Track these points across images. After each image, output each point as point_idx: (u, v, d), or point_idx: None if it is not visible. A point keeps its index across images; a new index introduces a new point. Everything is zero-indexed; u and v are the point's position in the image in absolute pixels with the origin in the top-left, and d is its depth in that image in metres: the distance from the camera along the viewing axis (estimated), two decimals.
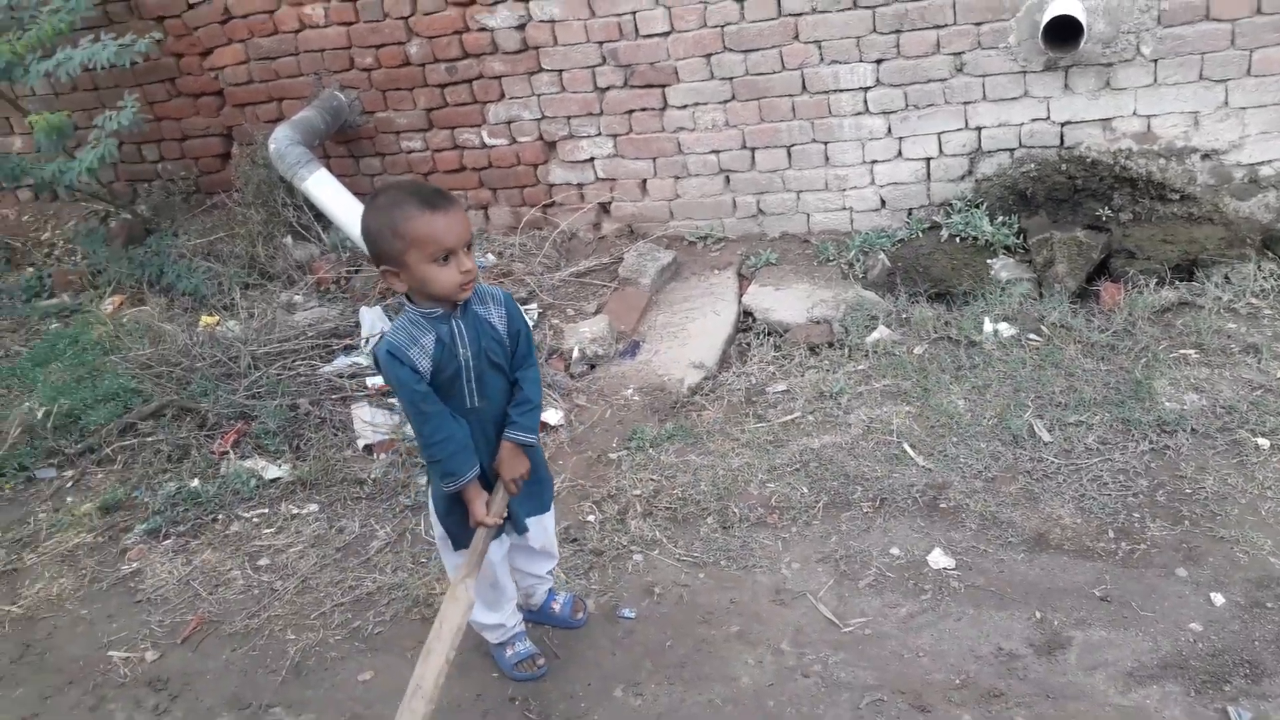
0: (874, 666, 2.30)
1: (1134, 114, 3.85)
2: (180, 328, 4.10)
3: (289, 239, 4.64)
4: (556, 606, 2.55)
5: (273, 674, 2.54)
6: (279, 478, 3.35)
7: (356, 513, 3.16)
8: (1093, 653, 2.26)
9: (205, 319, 4.23)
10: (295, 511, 3.19)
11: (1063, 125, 3.94)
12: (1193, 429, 2.94)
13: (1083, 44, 3.65)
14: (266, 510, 3.22)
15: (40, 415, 3.68)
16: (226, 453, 3.45)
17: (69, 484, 3.50)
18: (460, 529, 2.19)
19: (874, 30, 4.00)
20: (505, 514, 2.17)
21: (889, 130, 4.16)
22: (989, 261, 3.84)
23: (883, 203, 4.29)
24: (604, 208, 4.74)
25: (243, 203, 4.66)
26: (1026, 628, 2.35)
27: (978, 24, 3.88)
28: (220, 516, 3.20)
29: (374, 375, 3.81)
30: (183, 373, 3.71)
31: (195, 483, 3.33)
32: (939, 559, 2.59)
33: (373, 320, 4.10)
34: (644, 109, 4.43)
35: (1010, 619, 2.38)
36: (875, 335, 3.61)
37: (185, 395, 3.64)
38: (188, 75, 4.97)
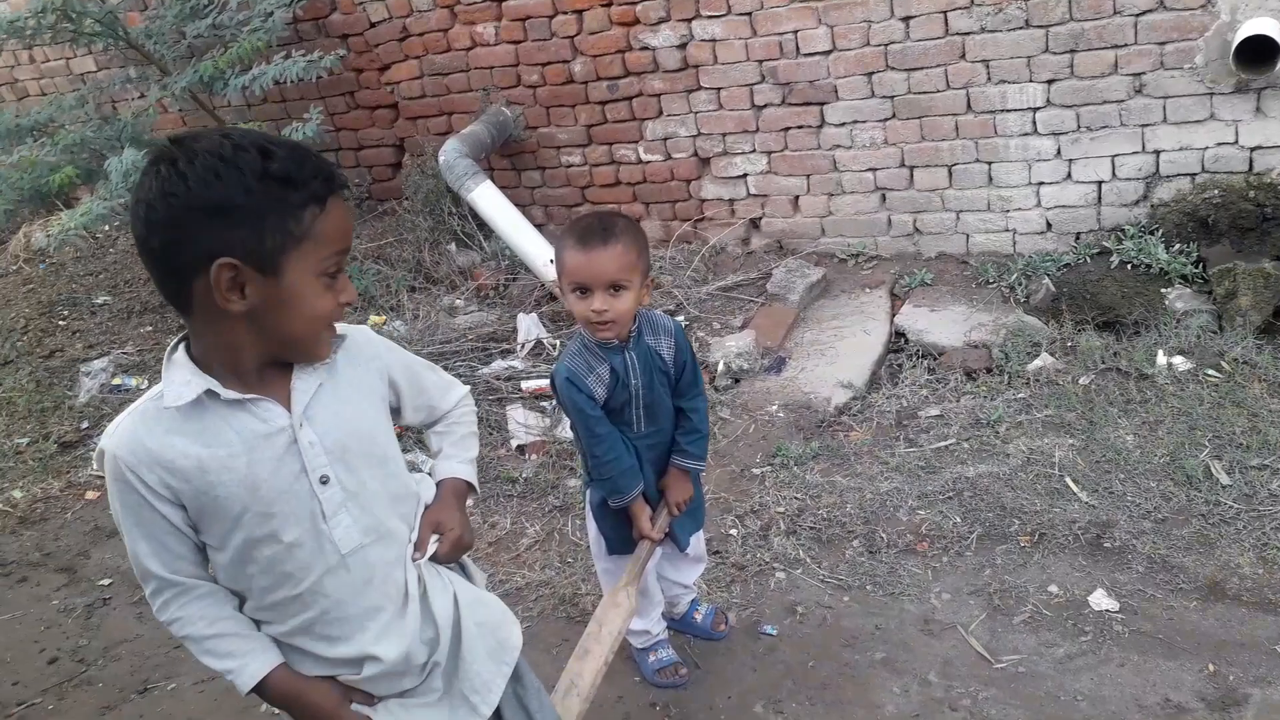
0: (1027, 706, 2.22)
1: None
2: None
3: (453, 246, 4.85)
4: (699, 616, 2.57)
5: None
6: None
7: (508, 509, 3.27)
8: (1273, 713, 2.12)
9: (374, 318, 4.48)
10: None
11: (1252, 150, 3.71)
12: None
13: (1279, 66, 3.43)
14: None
15: None
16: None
17: None
18: (615, 534, 2.25)
19: (1046, 50, 3.87)
20: (667, 530, 2.23)
21: (1058, 152, 4.02)
22: (1163, 291, 3.65)
23: (1048, 225, 4.14)
24: (754, 223, 4.76)
25: (411, 210, 4.92)
26: (1198, 680, 2.22)
27: (1161, 44, 3.70)
28: None
29: (528, 379, 3.95)
30: None
31: None
32: (1101, 600, 2.48)
33: (529, 327, 4.25)
34: (800, 126, 4.43)
35: (1180, 669, 2.25)
36: (1037, 363, 3.48)
37: None
38: (366, 89, 5.28)
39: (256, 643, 1.37)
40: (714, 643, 2.56)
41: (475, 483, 1.62)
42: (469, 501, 1.61)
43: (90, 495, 3.79)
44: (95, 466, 1.17)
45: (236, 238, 1.20)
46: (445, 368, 3.93)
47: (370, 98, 5.30)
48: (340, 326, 1.38)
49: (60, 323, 5.24)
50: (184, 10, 4.89)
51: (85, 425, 4.25)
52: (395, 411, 1.51)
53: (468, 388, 1.66)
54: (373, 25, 5.08)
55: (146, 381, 4.51)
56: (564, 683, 1.98)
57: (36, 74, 6.27)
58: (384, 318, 4.49)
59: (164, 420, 1.28)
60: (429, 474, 1.60)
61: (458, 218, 4.81)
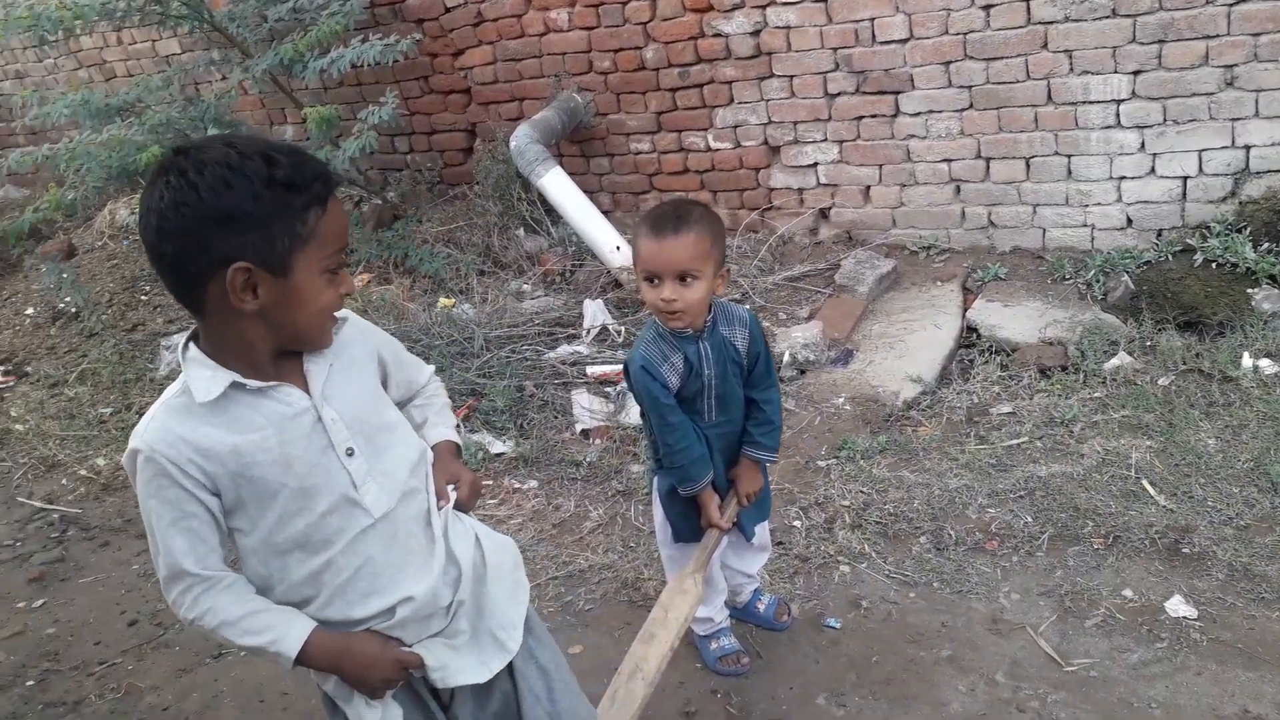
0: (1099, 711, 2.18)
1: None
2: (421, 307, 4.42)
3: (521, 231, 4.89)
4: (761, 606, 2.58)
5: None
6: (503, 453, 3.55)
7: (572, 493, 3.30)
8: None
9: (443, 300, 4.55)
10: (517, 486, 3.38)
11: None
12: None
13: None
14: (491, 482, 3.42)
15: None
16: (459, 425, 3.69)
17: None
18: (683, 522, 2.26)
19: (1133, 40, 3.76)
20: (735, 520, 2.23)
21: (1142, 145, 3.90)
22: (1250, 291, 3.53)
23: (1129, 221, 4.03)
24: (823, 213, 4.71)
25: (481, 195, 4.97)
26: (1279, 692, 2.16)
27: (1255, 35, 3.57)
28: None
29: (594, 364, 3.97)
30: (422, 349, 3.99)
31: None
32: (1179, 607, 2.42)
33: (595, 312, 4.27)
34: (874, 116, 4.37)
35: (1260, 680, 2.19)
36: (1115, 362, 3.40)
37: None
38: (440, 74, 5.34)
39: (290, 614, 1.42)
40: (776, 633, 2.55)
41: (461, 445, 1.72)
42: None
43: None
44: (128, 473, 1.39)
45: (248, 242, 1.27)
46: (512, 351, 4.03)
47: (444, 82, 5.36)
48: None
49: (142, 297, 5.42)
50: None
51: None
52: (382, 385, 1.59)
53: (433, 367, 1.75)
54: (448, 10, 5.13)
55: None
56: (628, 665, 2.00)
57: (124, 56, 6.46)
58: (453, 301, 4.55)
59: (194, 414, 1.35)
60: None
61: (527, 203, 4.85)
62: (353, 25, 4.88)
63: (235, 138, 1.34)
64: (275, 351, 1.38)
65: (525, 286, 4.64)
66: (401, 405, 1.65)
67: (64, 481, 3.93)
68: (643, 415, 2.21)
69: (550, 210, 4.80)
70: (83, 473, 3.94)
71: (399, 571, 1.47)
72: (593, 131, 5.04)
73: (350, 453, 1.42)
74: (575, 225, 4.62)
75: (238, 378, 1.35)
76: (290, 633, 1.40)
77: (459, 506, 1.59)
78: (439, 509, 1.54)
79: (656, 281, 1.98)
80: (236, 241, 1.27)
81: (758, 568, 2.54)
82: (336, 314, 1.41)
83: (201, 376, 1.35)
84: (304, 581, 1.43)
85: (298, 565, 1.42)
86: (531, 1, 4.90)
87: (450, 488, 1.58)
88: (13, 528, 3.68)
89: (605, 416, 3.68)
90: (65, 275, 4.90)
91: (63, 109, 4.79)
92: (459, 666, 1.52)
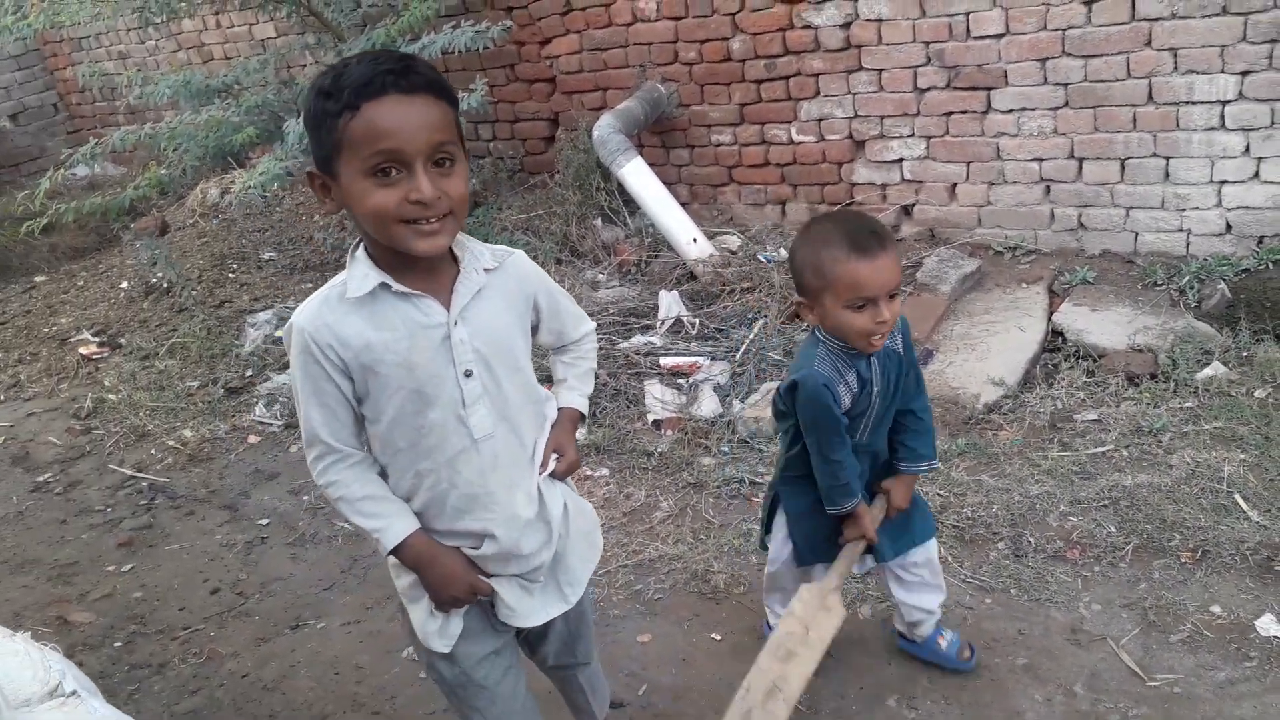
0: None
1: None
2: None
3: (599, 221, 4.92)
4: (943, 643, 2.35)
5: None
6: (578, 440, 3.57)
7: (643, 482, 3.31)
8: None
9: None
10: (589, 473, 3.40)
11: None
12: None
13: None
14: None
15: None
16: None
17: None
18: (807, 544, 2.19)
19: (1244, 39, 3.61)
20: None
21: (1247, 149, 3.75)
22: None
23: (1228, 227, 3.88)
24: (906, 210, 4.64)
25: (561, 184, 5.00)
26: None
27: None
28: None
29: (667, 355, 3.98)
30: None
31: None
32: (1270, 626, 2.33)
33: (669, 304, 4.28)
34: (964, 112, 4.28)
35: None
36: (1208, 371, 3.28)
37: None
38: (526, 62, 5.39)
39: (400, 507, 1.56)
40: (850, 634, 2.51)
41: (587, 414, 1.80)
42: (581, 430, 1.78)
43: (252, 439, 4.05)
44: (285, 342, 1.52)
45: (314, 149, 1.42)
46: None
47: (529, 71, 5.41)
48: (500, 250, 1.58)
49: (230, 275, 5.60)
50: None
51: (250, 373, 4.54)
52: (533, 329, 1.68)
53: (595, 324, 1.82)
54: None
55: None
56: (762, 683, 1.89)
57: (222, 39, 6.67)
58: None
59: (344, 305, 1.47)
60: (553, 395, 1.76)
61: (605, 193, 4.87)
62: (443, 10, 4.96)
63: (365, 53, 1.41)
64: (407, 259, 1.43)
65: (601, 276, 4.66)
66: (556, 353, 1.78)
67: (153, 451, 4.08)
68: (786, 432, 2.11)
69: (628, 200, 4.82)
70: (171, 443, 4.08)
71: (487, 507, 1.57)
72: (674, 122, 5.04)
73: (469, 374, 1.50)
74: (653, 216, 4.63)
75: (388, 279, 1.45)
76: (395, 526, 1.54)
77: (554, 476, 1.68)
78: (540, 473, 1.64)
79: (865, 305, 1.86)
80: (312, 147, 1.42)
81: (937, 603, 2.31)
82: (422, 218, 1.39)
83: (357, 274, 1.46)
84: (408, 479, 1.55)
85: (406, 463, 1.54)
86: None
87: (554, 458, 1.67)
88: (104, 494, 3.83)
89: (677, 408, 3.69)
90: (159, 251, 5.08)
91: (165, 89, 4.96)
92: (525, 610, 1.66)
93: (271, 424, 4.11)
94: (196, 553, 3.36)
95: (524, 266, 1.62)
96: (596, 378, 3.76)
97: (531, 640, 1.83)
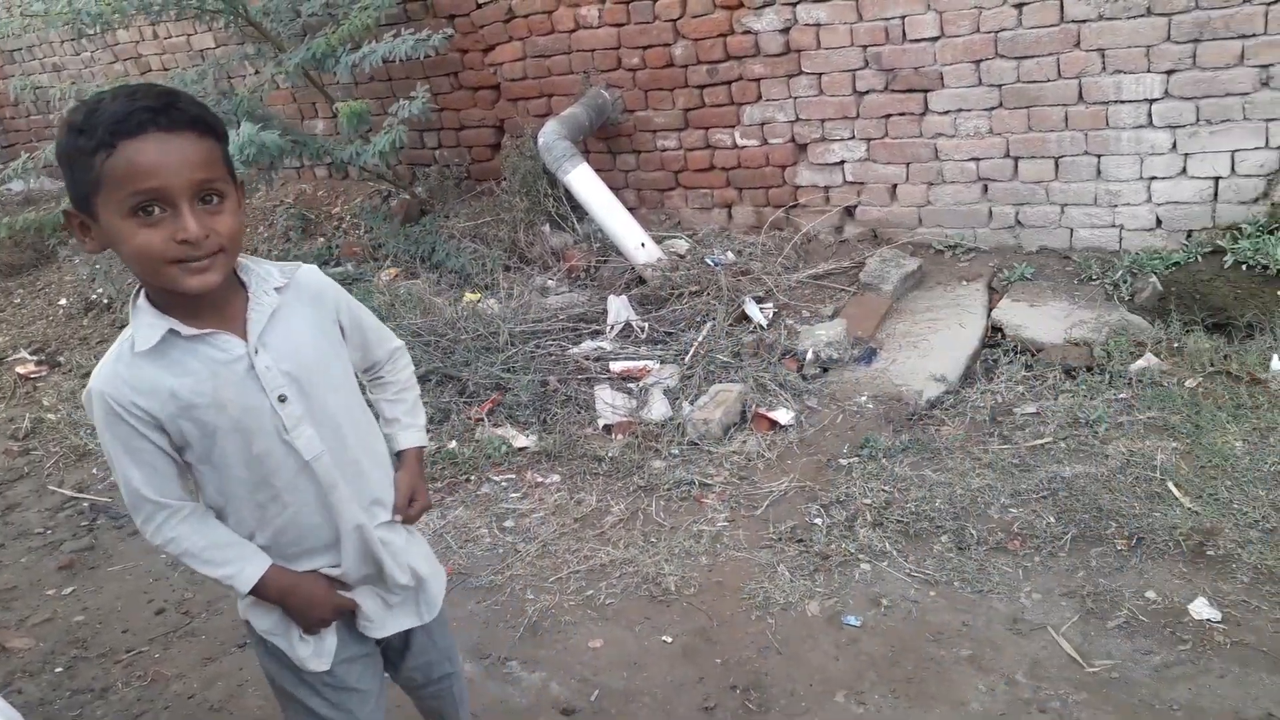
0: (1120, 713, 2.17)
1: None
2: (447, 302, 4.45)
3: (547, 227, 4.92)
4: None
5: (511, 629, 2.71)
6: (526, 447, 3.58)
7: (594, 487, 3.32)
8: None
9: (469, 295, 4.58)
10: (539, 480, 3.40)
11: None
12: None
13: None
14: (513, 476, 3.45)
15: None
16: (482, 419, 3.73)
17: None
18: None
19: (1168, 39, 3.72)
20: None
21: (1173, 146, 3.86)
22: None
23: (1158, 222, 3.99)
24: (849, 211, 4.70)
25: (508, 190, 4.99)
26: None
27: None
28: (473, 477, 3.46)
29: (617, 360, 3.99)
30: (448, 343, 4.03)
31: (453, 444, 3.61)
32: (1202, 609, 2.40)
33: (619, 309, 4.29)
34: (902, 114, 4.35)
35: None
36: (1141, 363, 3.37)
37: (449, 364, 3.96)
38: (470, 70, 5.37)
39: (247, 548, 1.54)
40: (797, 629, 2.55)
41: (427, 444, 1.84)
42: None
43: None
44: (86, 411, 1.48)
45: (69, 187, 1.36)
46: (537, 346, 4.06)
47: (473, 78, 5.39)
48: (287, 266, 1.54)
49: None
50: None
51: None
52: (338, 343, 1.65)
53: (402, 342, 1.80)
54: (479, 6, 5.16)
55: None
56: None
57: (159, 50, 6.55)
58: (479, 295, 4.59)
59: (138, 359, 1.42)
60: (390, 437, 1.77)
61: (553, 199, 4.87)
62: (384, 19, 4.93)
63: (131, 85, 1.37)
64: (188, 295, 1.39)
65: (550, 282, 4.66)
66: (369, 379, 1.76)
67: (94, 470, 3.99)
68: None
69: (576, 206, 4.82)
70: None
71: (334, 524, 1.57)
72: (620, 128, 5.06)
73: (283, 399, 1.48)
74: (600, 221, 4.64)
75: (175, 324, 1.42)
76: (248, 568, 1.52)
77: (407, 522, 1.72)
78: (393, 521, 1.67)
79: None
80: (67, 186, 1.37)
81: None
82: (190, 257, 1.35)
83: (143, 324, 1.42)
84: (250, 515, 1.53)
85: (244, 497, 1.52)
86: None
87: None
88: (44, 515, 3.74)
89: (627, 412, 3.70)
90: (98, 266, 4.97)
91: None
92: (382, 622, 1.69)
93: None
94: (140, 573, 3.29)
95: (316, 279, 1.58)
96: (547, 384, 3.80)
97: (392, 657, 1.81)
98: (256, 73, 5.57)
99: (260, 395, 1.46)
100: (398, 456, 1.75)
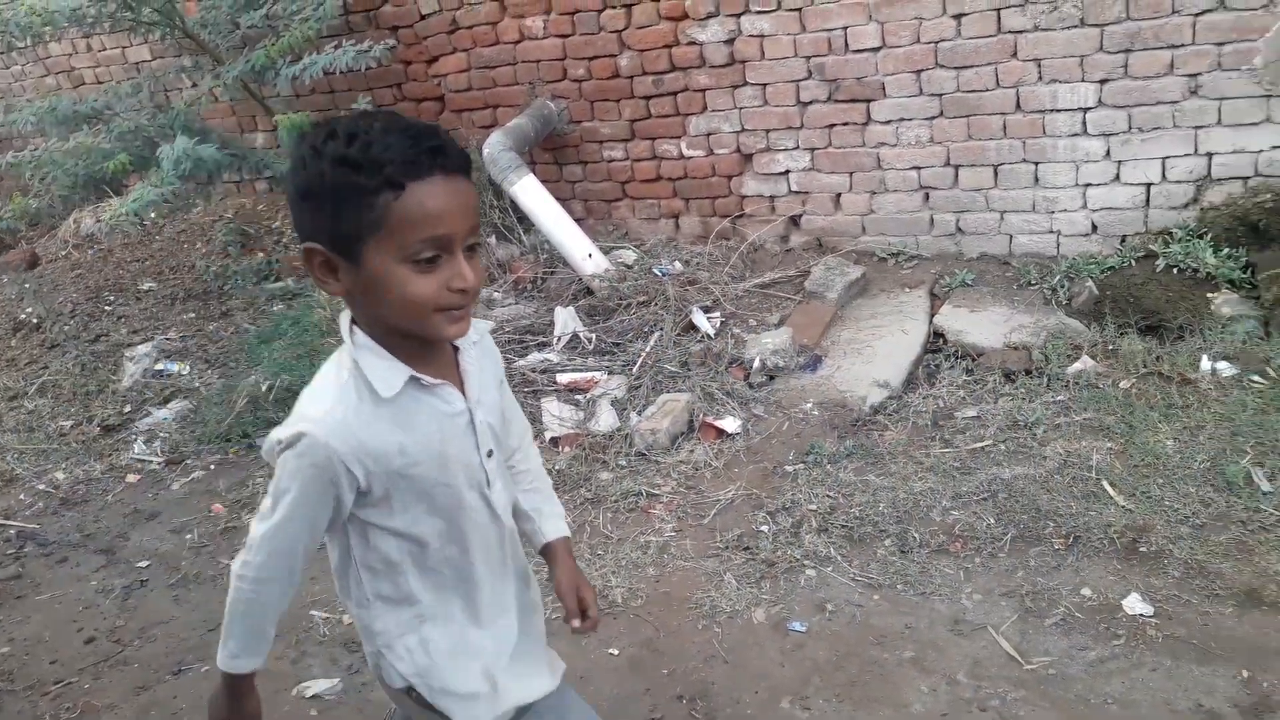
0: (1057, 708, 2.19)
1: None
2: None
3: (492, 239, 4.89)
4: None
5: None
6: None
7: None
8: None
9: None
10: None
11: None
12: None
13: None
14: None
15: (264, 389, 4.00)
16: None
17: None
18: None
19: (1101, 49, 3.81)
20: None
21: (1107, 153, 3.95)
22: (1210, 296, 3.58)
23: (1094, 228, 4.08)
24: (794, 221, 4.74)
25: None
26: (1231, 686, 2.18)
27: (1219, 44, 3.62)
28: None
29: (564, 372, 3.97)
30: None
31: None
32: (1136, 605, 2.44)
33: (565, 320, 4.27)
34: (845, 124, 4.40)
35: (1213, 675, 2.21)
36: (1078, 365, 3.43)
37: None
38: (414, 81, 5.34)
39: (265, 645, 1.46)
40: (743, 636, 2.55)
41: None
42: None
43: (131, 478, 3.88)
44: (280, 447, 1.30)
45: (320, 223, 1.24)
46: None
47: (417, 90, 5.36)
48: (480, 323, 1.44)
49: (106, 308, 5.36)
50: (239, 1, 4.99)
51: (128, 409, 4.35)
52: None
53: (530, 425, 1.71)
54: (423, 17, 5.13)
55: (189, 367, 4.60)
56: None
57: (93, 63, 6.42)
58: None
59: (366, 407, 1.30)
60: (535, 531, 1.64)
61: (499, 211, 4.85)
62: (325, 30, 4.88)
63: (376, 113, 1.29)
64: (415, 341, 1.32)
65: (496, 294, 4.63)
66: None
67: (21, 496, 3.86)
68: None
69: (522, 218, 4.80)
70: (41, 487, 3.88)
71: (502, 578, 1.49)
72: (566, 139, 5.06)
73: (490, 454, 1.42)
74: (547, 233, 4.62)
75: (414, 373, 1.32)
76: (244, 659, 1.45)
77: (589, 627, 1.59)
78: (573, 631, 1.57)
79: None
80: (313, 221, 1.25)
81: None
82: (456, 309, 1.28)
83: (377, 367, 1.30)
84: (427, 576, 1.42)
85: (435, 555, 1.41)
86: (507, 9, 4.91)
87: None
88: None
89: (575, 424, 3.68)
90: (28, 285, 4.85)
91: (29, 116, 4.76)
92: (529, 686, 1.54)
93: (152, 461, 3.96)
94: (70, 601, 3.19)
95: (492, 343, 1.53)
96: None
97: None
98: (194, 86, 5.47)
99: (474, 451, 1.40)
100: (542, 553, 1.61)
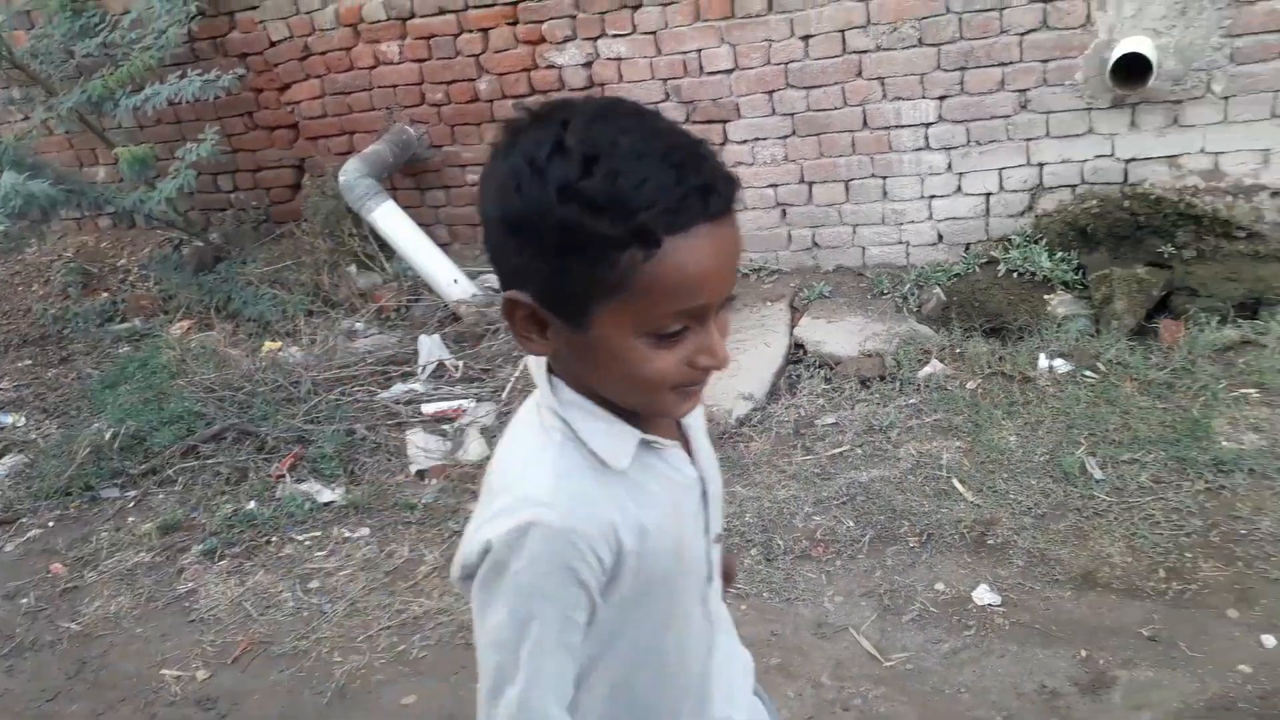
0: (914, 702, 2.26)
1: (1202, 151, 3.77)
2: (244, 353, 4.24)
3: (353, 268, 4.78)
4: None
5: (318, 695, 2.58)
6: (332, 501, 3.42)
7: (406, 537, 3.20)
8: (1138, 693, 2.20)
9: (268, 344, 4.37)
10: (347, 535, 3.25)
11: (1127, 162, 3.88)
12: (1250, 469, 2.85)
13: (1151, 81, 3.59)
14: (319, 533, 3.28)
15: (108, 436, 3.78)
16: (283, 476, 3.54)
17: (131, 504, 3.59)
18: None
19: (938, 67, 3.99)
20: None
21: (949, 166, 4.14)
22: (1046, 297, 3.78)
23: (940, 237, 4.26)
24: None
25: (310, 232, 4.83)
26: (1071, 666, 2.29)
27: (1044, 61, 3.85)
28: (274, 539, 3.27)
29: (429, 402, 3.89)
30: (245, 397, 3.83)
31: (252, 505, 3.41)
32: (984, 595, 2.54)
33: (430, 348, 4.20)
34: None
35: (1055, 657, 2.32)
36: (928, 369, 3.57)
37: (246, 419, 3.75)
38: (265, 109, 5.18)
39: None
40: None
41: None
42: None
43: None
44: (495, 557, 0.92)
45: (534, 269, 0.91)
46: (343, 394, 3.90)
47: (269, 118, 5.20)
48: None
49: None
50: (73, 28, 4.75)
51: None
52: None
53: None
54: (273, 44, 4.99)
55: (24, 418, 4.30)
56: None
57: None
58: (279, 344, 4.39)
59: (594, 479, 0.98)
60: None
61: (359, 239, 4.74)
62: (168, 59, 4.69)
63: (617, 110, 0.91)
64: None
65: (358, 325, 4.52)
66: None
67: None
68: None
69: (384, 246, 4.71)
70: None
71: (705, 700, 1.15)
72: (427, 164, 4.99)
73: (718, 539, 1.11)
74: (410, 259, 4.54)
75: (643, 435, 1.00)
76: None
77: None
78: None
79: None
80: (520, 262, 0.92)
81: None
82: (699, 381, 0.97)
83: (597, 430, 0.98)
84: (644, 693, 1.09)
85: (650, 670, 1.08)
86: (360, 35, 4.82)
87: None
88: None
89: (442, 455, 3.61)
90: None
91: None
92: None
93: None
94: None
95: None
96: (353, 433, 3.65)
97: None
98: (26, 118, 5.18)
99: (702, 534, 1.08)
100: None
